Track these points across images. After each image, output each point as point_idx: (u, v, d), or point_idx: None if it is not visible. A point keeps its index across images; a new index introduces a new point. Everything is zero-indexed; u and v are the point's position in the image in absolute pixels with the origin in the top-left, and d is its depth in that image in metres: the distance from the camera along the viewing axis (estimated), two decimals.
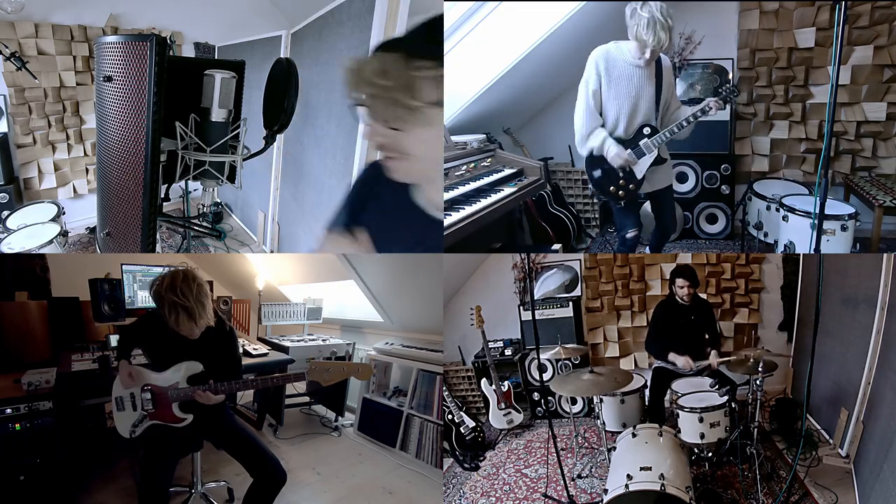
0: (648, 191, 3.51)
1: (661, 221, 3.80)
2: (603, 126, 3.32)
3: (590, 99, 3.27)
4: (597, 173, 3.43)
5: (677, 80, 3.44)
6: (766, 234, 4.30)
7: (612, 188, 3.41)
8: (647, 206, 3.81)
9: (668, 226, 3.84)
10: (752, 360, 3.04)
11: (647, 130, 3.29)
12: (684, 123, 3.23)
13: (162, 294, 2.44)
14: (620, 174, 3.38)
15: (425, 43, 1.41)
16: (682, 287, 3.51)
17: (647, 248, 4.14)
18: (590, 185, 3.50)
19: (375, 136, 1.47)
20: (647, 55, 3.11)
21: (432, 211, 1.67)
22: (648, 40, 3.00)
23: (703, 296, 4.14)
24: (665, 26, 2.98)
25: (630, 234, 3.56)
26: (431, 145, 1.49)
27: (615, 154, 3.27)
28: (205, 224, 4.73)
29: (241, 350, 2.89)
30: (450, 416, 4.10)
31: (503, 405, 4.27)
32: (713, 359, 3.42)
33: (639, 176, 3.36)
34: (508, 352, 4.57)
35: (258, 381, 2.52)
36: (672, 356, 3.50)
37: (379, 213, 1.79)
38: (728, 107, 3.46)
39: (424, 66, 1.35)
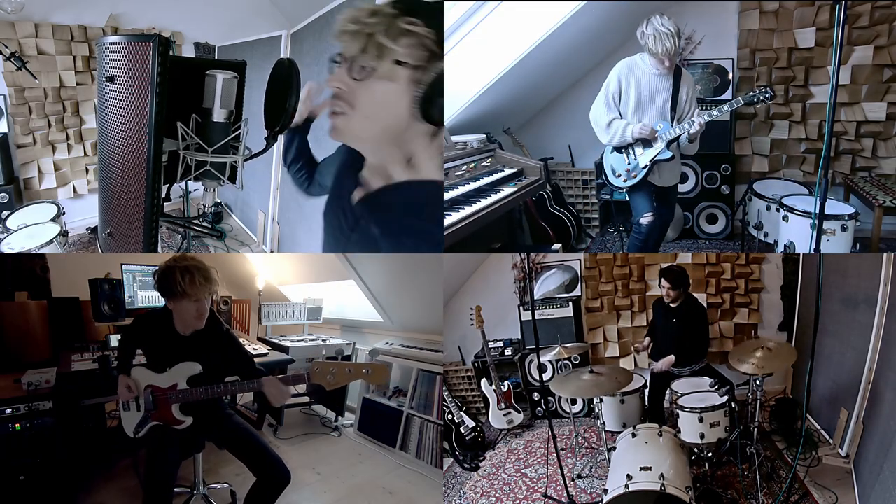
0: (658, 184, 3.67)
1: (660, 214, 3.87)
2: (620, 117, 3.59)
3: (609, 98, 3.56)
4: (608, 160, 3.72)
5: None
6: (766, 234, 4.30)
7: (618, 174, 3.69)
8: None
9: (667, 218, 3.94)
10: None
11: (660, 126, 3.51)
12: (686, 126, 3.43)
13: (171, 265, 2.45)
14: (627, 161, 3.63)
15: (423, 9, 1.46)
16: (664, 288, 3.56)
17: None
18: (605, 172, 3.79)
19: (335, 81, 1.51)
20: (667, 63, 3.41)
21: (374, 181, 1.65)
22: (659, 51, 3.33)
23: (703, 296, 4.14)
24: (669, 34, 3.30)
25: (645, 220, 3.66)
26: (383, 108, 1.51)
27: (638, 130, 3.51)
28: (205, 224, 4.72)
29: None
30: (450, 416, 4.10)
31: (503, 405, 4.27)
32: (661, 363, 3.57)
33: (641, 164, 3.59)
34: (508, 352, 4.57)
35: (255, 384, 2.50)
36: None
37: (334, 185, 1.83)
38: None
39: (414, 22, 1.42)
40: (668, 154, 3.51)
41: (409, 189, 1.57)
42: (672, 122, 3.49)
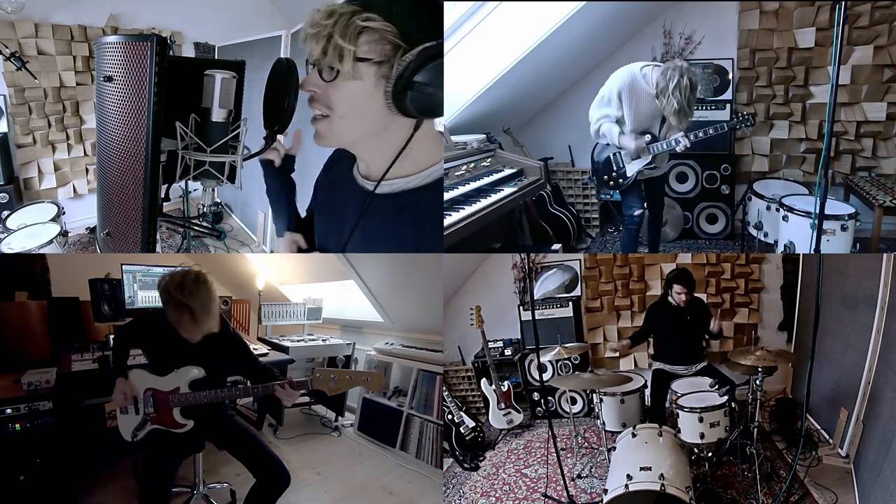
0: (645, 177, 3.78)
1: (652, 209, 4.01)
2: (614, 120, 3.61)
3: (603, 101, 3.60)
4: (597, 163, 3.83)
5: None
6: (766, 234, 4.30)
7: (605, 177, 3.79)
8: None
9: (658, 212, 4.08)
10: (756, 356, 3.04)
11: (647, 137, 3.57)
12: (672, 143, 3.52)
13: (170, 291, 2.42)
14: (614, 168, 3.73)
15: (385, 1, 1.44)
16: (679, 293, 3.54)
17: (647, 247, 4.15)
18: (593, 177, 3.94)
19: (308, 85, 1.52)
20: None
21: (361, 181, 1.68)
22: (667, 110, 3.36)
23: (703, 296, 4.14)
24: (682, 105, 3.31)
25: (637, 212, 3.79)
26: (357, 107, 1.51)
27: (633, 146, 3.59)
28: (205, 224, 4.72)
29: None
30: (450, 416, 4.10)
31: (503, 405, 4.27)
32: (714, 323, 3.61)
33: (628, 174, 3.71)
34: (508, 352, 4.57)
35: (259, 389, 2.50)
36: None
37: (327, 195, 1.84)
38: (729, 108, 3.64)
39: (371, 18, 1.41)
40: (657, 169, 3.65)
41: (411, 197, 1.59)
42: (663, 126, 3.56)
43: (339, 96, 1.49)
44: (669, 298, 3.61)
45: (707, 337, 3.69)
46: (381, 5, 1.43)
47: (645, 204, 3.84)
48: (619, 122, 3.58)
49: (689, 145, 3.49)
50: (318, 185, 1.96)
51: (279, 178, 2.00)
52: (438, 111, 1.54)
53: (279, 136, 1.86)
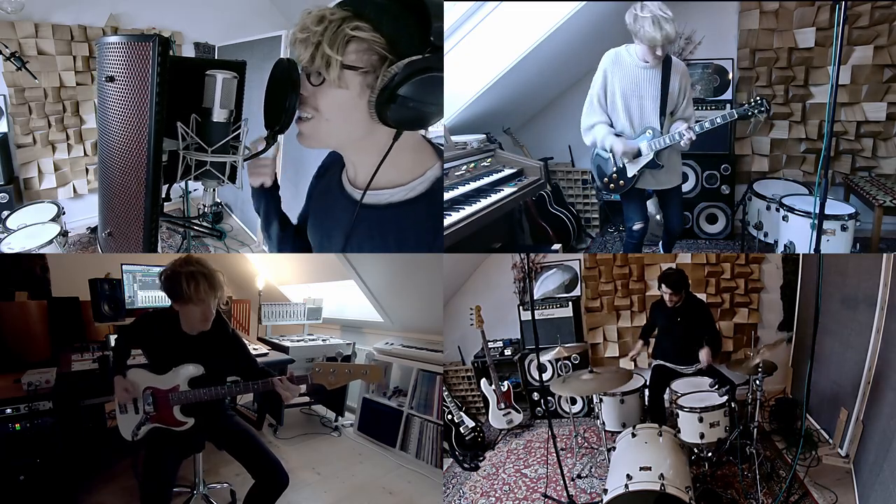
0: (656, 188, 3.60)
1: (666, 221, 3.85)
2: (608, 124, 3.43)
3: (593, 98, 3.41)
4: (596, 162, 3.61)
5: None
6: (766, 234, 4.30)
7: (605, 179, 3.57)
8: (654, 204, 3.84)
9: (674, 226, 3.80)
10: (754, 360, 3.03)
11: (649, 133, 3.36)
12: (676, 137, 3.28)
13: (177, 270, 2.43)
14: (614, 168, 3.50)
15: (372, 8, 1.44)
16: (665, 293, 3.54)
17: (660, 247, 4.12)
18: (593, 175, 3.69)
19: (299, 87, 1.54)
20: (659, 52, 3.16)
21: (350, 189, 1.70)
22: (657, 37, 3.07)
23: (703, 296, 4.14)
24: (668, 19, 3.06)
25: (636, 227, 3.61)
26: (342, 113, 1.52)
27: (619, 149, 3.39)
28: (205, 224, 4.73)
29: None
30: (449, 416, 4.10)
31: (503, 405, 4.27)
32: (703, 357, 3.45)
33: (629, 174, 3.48)
34: (508, 352, 4.57)
35: (259, 384, 2.51)
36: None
37: (319, 203, 1.88)
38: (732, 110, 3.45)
39: (360, 27, 1.41)
40: (663, 171, 3.42)
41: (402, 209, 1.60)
42: (664, 120, 3.34)
43: (325, 101, 1.52)
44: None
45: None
46: (371, 14, 1.43)
47: (647, 217, 3.67)
48: (607, 101, 3.39)
49: (693, 138, 3.24)
50: (311, 192, 1.97)
51: (269, 197, 2.03)
52: (420, 124, 1.55)
53: (268, 153, 1.89)
